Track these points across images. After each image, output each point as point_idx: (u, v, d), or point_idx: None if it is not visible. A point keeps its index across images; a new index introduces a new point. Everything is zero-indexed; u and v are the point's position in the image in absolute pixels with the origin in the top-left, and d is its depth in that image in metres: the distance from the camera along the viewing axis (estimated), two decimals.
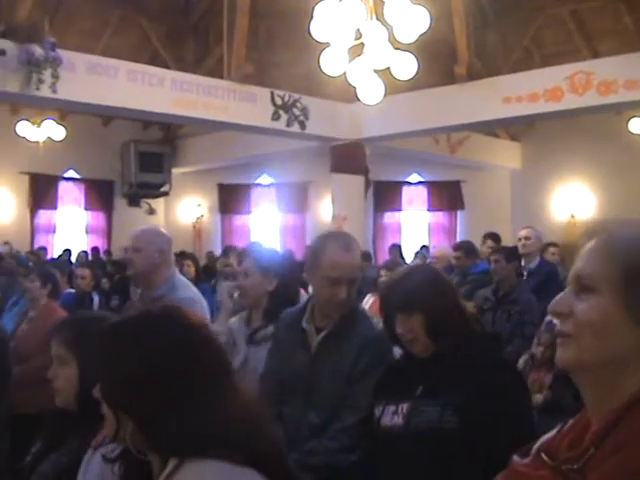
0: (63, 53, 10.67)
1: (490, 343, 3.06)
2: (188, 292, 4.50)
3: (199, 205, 19.60)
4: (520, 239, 7.99)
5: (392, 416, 2.87)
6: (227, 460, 1.61)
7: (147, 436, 1.69)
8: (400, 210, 19.23)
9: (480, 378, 2.74)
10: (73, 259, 15.33)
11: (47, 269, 7.06)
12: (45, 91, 10.45)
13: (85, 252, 16.21)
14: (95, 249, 17.05)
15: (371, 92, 7.52)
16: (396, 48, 7.01)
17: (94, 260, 15.69)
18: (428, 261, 10.39)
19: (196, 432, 1.64)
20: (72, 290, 8.65)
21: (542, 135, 17.34)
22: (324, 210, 17.75)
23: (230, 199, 19.47)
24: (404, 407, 2.84)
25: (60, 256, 15.51)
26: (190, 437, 1.63)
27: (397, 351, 3.28)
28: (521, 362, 5.22)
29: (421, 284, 2.91)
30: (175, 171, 19.06)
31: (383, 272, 7.90)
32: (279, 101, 13.43)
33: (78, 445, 2.47)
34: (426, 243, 17.78)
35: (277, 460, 1.73)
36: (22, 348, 6.15)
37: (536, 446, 1.51)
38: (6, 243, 15.28)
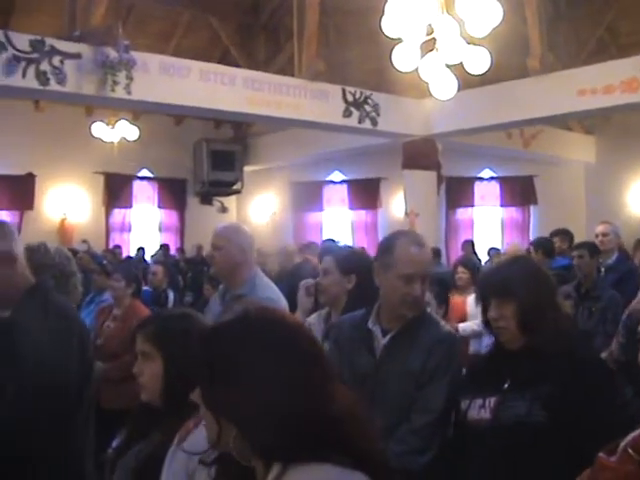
0: (136, 55, 10.83)
1: (581, 340, 3.02)
2: (269, 291, 4.46)
3: (271, 203, 19.71)
4: (597, 235, 7.84)
5: (479, 410, 2.86)
6: (334, 463, 1.59)
7: (250, 441, 1.66)
8: (472, 206, 19.03)
9: (570, 374, 2.73)
10: (147, 257, 15.55)
11: (132, 270, 7.19)
12: (120, 92, 10.61)
13: (161, 249, 16.43)
14: (165, 246, 17.22)
15: (444, 87, 7.47)
16: (469, 42, 6.94)
17: (165, 257, 15.88)
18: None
19: (300, 435, 1.62)
20: (147, 288, 8.78)
21: (617, 128, 16.96)
22: (396, 207, 17.68)
23: (302, 196, 19.48)
24: (491, 401, 2.83)
25: (135, 254, 15.76)
26: (294, 440, 1.61)
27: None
28: None
29: (520, 273, 2.92)
30: (247, 169, 19.16)
31: (460, 269, 7.84)
32: (350, 98, 13.40)
33: (161, 439, 2.50)
34: (499, 239, 17.64)
35: (381, 462, 1.70)
36: (108, 346, 6.28)
37: (623, 443, 1.49)
38: (84, 241, 15.61)
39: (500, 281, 2.90)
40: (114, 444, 4.62)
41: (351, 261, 4.32)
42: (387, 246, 3.42)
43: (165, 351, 2.54)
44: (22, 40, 10.12)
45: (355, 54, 15.60)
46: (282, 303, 4.43)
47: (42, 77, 10.17)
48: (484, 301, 2.98)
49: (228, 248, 4.48)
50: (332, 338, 3.68)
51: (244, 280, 4.46)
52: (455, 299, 7.55)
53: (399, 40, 7.12)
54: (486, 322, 2.98)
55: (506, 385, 2.82)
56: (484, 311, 2.97)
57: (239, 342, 1.72)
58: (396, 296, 3.33)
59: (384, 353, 3.34)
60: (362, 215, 19.32)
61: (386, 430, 3.11)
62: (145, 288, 8.49)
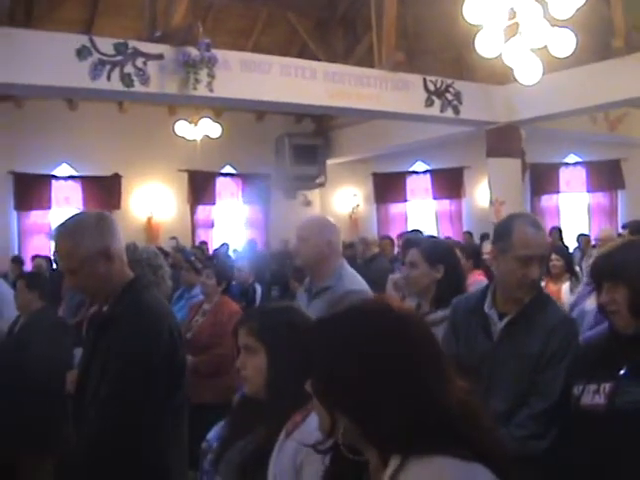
0: (217, 53, 10.94)
1: None
2: (355, 283, 4.42)
3: (354, 195, 19.72)
4: None
5: (593, 395, 2.81)
6: (453, 455, 1.56)
7: (366, 433, 1.65)
8: (558, 192, 18.75)
9: None
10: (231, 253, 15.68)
11: (225, 268, 7.28)
12: (202, 90, 10.73)
13: (248, 244, 16.55)
14: (252, 242, 17.37)
15: (529, 72, 7.37)
16: (552, 25, 6.83)
17: (252, 252, 16.00)
18: (592, 244, 10.07)
19: (418, 426, 1.59)
20: (234, 283, 8.85)
21: None
22: (480, 195, 17.55)
23: (385, 188, 19.48)
24: (606, 386, 2.78)
25: (219, 249, 15.92)
26: (413, 432, 1.59)
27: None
28: None
29: (633, 258, 2.85)
30: (329, 162, 19.16)
31: (553, 257, 7.69)
32: (432, 87, 13.31)
33: (265, 433, 2.51)
34: (586, 225, 17.32)
35: (500, 453, 1.66)
36: (197, 340, 6.36)
37: None
38: (172, 238, 15.86)
39: (612, 265, 2.84)
40: (209, 437, 4.68)
41: (437, 251, 4.30)
42: (504, 229, 3.39)
43: (268, 344, 2.56)
44: (106, 44, 10.33)
45: (434, 43, 15.50)
46: (368, 295, 4.39)
47: (126, 79, 10.37)
48: (597, 286, 2.93)
49: (313, 240, 4.46)
50: (449, 322, 3.64)
51: (330, 272, 4.44)
52: (550, 287, 7.40)
53: (480, 26, 7.05)
54: (600, 307, 2.93)
55: (622, 371, 2.76)
56: (598, 296, 2.93)
57: (348, 334, 1.70)
58: (513, 279, 3.31)
59: (501, 337, 3.32)
60: (446, 205, 19.21)
61: (503, 414, 3.11)
62: (232, 283, 8.56)
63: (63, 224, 3.13)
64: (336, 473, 1.81)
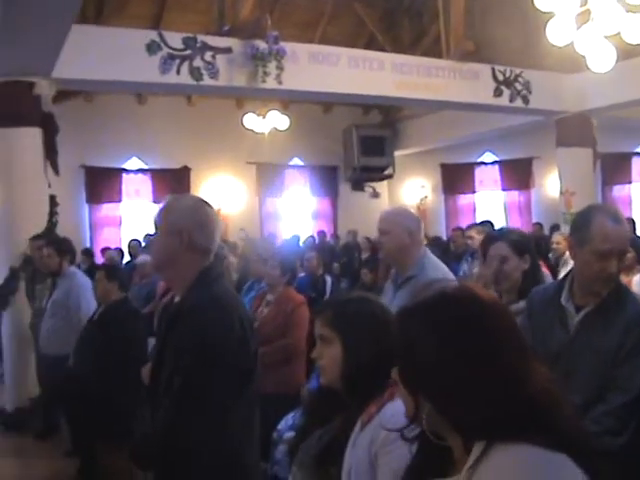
0: (285, 45, 10.97)
1: None
2: (438, 273, 4.42)
3: (422, 186, 19.61)
4: None
5: None
6: (536, 443, 1.53)
7: (450, 419, 1.64)
8: (630, 182, 18.39)
9: None
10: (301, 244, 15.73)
11: (289, 259, 7.31)
12: (271, 83, 10.78)
13: (312, 237, 16.57)
14: (322, 233, 17.42)
15: (602, 59, 7.22)
16: (627, 11, 6.68)
17: (321, 244, 16.05)
18: None
19: (503, 414, 1.58)
20: (303, 274, 8.88)
21: None
22: (550, 186, 17.31)
23: (454, 179, 19.34)
24: None
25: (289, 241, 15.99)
26: (497, 419, 1.58)
27: None
28: None
29: None
30: (397, 153, 19.09)
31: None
32: (500, 77, 13.17)
33: (342, 423, 2.51)
34: None
35: (583, 443, 1.63)
36: (261, 331, 6.38)
37: None
38: (242, 230, 15.98)
39: None
40: (279, 427, 4.70)
41: (523, 242, 4.24)
42: (583, 221, 3.30)
43: (344, 335, 2.54)
44: (175, 39, 10.44)
45: (502, 32, 15.30)
46: (452, 283, 4.34)
47: (196, 73, 10.47)
48: None
49: (395, 231, 4.48)
50: (525, 312, 3.58)
51: (413, 262, 4.46)
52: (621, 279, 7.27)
53: (550, 14, 6.93)
54: None
55: None
56: None
57: (435, 320, 1.69)
58: (591, 272, 3.22)
59: (578, 329, 3.25)
60: (515, 196, 18.98)
61: (579, 408, 3.00)
62: (301, 275, 8.58)
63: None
64: (422, 461, 1.80)
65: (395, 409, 2.15)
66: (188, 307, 2.94)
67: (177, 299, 3.12)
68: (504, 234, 4.39)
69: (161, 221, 3.11)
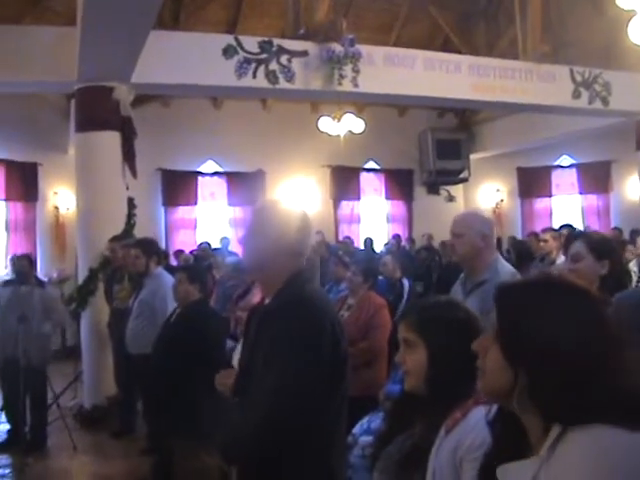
0: (361, 48, 10.96)
1: None
2: (512, 277, 4.25)
3: (498, 190, 19.41)
4: None
5: None
6: (618, 425, 1.56)
7: (540, 400, 1.66)
8: None
9: None
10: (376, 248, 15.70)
11: (371, 265, 7.31)
12: (347, 86, 10.79)
13: (392, 240, 16.53)
14: (397, 237, 17.35)
15: None
16: None
17: (397, 248, 15.98)
18: None
19: (584, 397, 1.61)
20: (381, 277, 8.84)
21: None
22: (630, 190, 16.99)
23: (530, 182, 19.07)
24: None
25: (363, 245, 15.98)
26: (578, 402, 1.61)
27: None
28: None
29: None
30: (473, 157, 18.95)
31: None
32: (579, 78, 12.96)
33: (425, 429, 2.47)
34: None
35: None
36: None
37: None
38: (318, 232, 15.97)
39: None
40: (354, 431, 4.66)
41: (604, 246, 4.13)
42: None
43: (428, 339, 2.51)
44: (251, 43, 10.53)
45: (580, 32, 15.07)
46: None
47: (272, 76, 10.53)
48: None
49: (469, 235, 4.45)
50: (616, 317, 3.50)
51: (486, 266, 4.43)
52: None
53: (631, 12, 6.79)
54: None
55: None
56: None
57: (538, 297, 1.75)
58: None
59: None
60: (593, 200, 18.65)
61: None
62: (379, 278, 8.54)
63: None
64: (500, 446, 1.82)
65: (480, 415, 2.13)
66: (281, 306, 2.94)
67: (267, 301, 3.11)
68: (585, 234, 4.30)
69: (256, 224, 3.12)
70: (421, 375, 2.50)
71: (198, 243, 15.75)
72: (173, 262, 13.78)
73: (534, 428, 1.70)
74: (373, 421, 5.68)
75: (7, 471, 7.88)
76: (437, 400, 2.44)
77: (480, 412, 2.16)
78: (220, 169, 17.23)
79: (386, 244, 15.78)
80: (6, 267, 12.97)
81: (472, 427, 2.17)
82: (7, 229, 14.38)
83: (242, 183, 17.13)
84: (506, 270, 4.49)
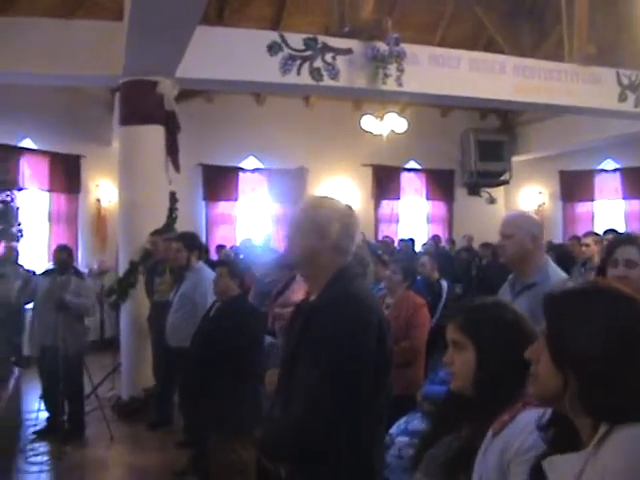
0: (405, 47, 10.93)
1: None
2: (562, 283, 4.28)
3: (540, 193, 19.24)
4: None
5: None
6: None
7: (589, 402, 1.71)
8: None
9: None
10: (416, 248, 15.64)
11: (411, 265, 7.30)
12: (391, 85, 10.78)
13: (430, 241, 16.46)
14: (436, 237, 17.28)
15: None
16: None
17: (436, 248, 15.91)
18: None
19: (632, 397, 1.68)
20: (419, 277, 8.81)
21: None
22: None
23: (572, 186, 18.87)
24: None
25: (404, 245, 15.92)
26: (626, 402, 1.68)
27: None
28: None
29: None
30: (515, 159, 18.82)
31: None
32: (625, 81, 12.83)
33: (471, 431, 2.45)
34: None
35: None
36: None
37: None
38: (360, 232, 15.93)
39: None
40: (391, 431, 4.65)
41: None
42: None
43: (476, 340, 2.49)
44: (296, 40, 10.55)
45: (627, 34, 14.89)
46: None
47: (316, 74, 10.54)
48: None
49: (518, 236, 4.41)
50: None
51: (536, 268, 4.39)
52: None
53: None
54: None
55: None
56: None
57: (585, 304, 1.80)
58: None
59: None
60: (636, 205, 18.43)
61: None
62: (418, 278, 8.51)
63: None
64: (555, 451, 1.83)
65: (529, 418, 2.12)
66: (327, 303, 2.94)
67: (312, 298, 3.11)
68: (636, 238, 4.22)
69: (303, 220, 3.12)
70: (468, 377, 2.48)
71: (238, 238, 15.82)
72: (213, 257, 13.82)
73: (585, 428, 1.75)
74: (410, 422, 5.66)
75: (45, 458, 7.98)
76: (484, 402, 2.41)
77: (529, 415, 2.14)
78: (261, 165, 17.26)
79: (424, 244, 15.70)
80: (48, 258, 13.12)
81: (520, 430, 2.15)
82: (50, 220, 14.54)
83: (283, 180, 17.15)
84: (557, 274, 4.45)
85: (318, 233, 3.04)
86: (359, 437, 2.88)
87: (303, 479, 2.94)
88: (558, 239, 17.38)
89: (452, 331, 2.57)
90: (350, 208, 3.21)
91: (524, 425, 2.14)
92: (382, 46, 10.77)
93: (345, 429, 2.80)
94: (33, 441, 8.48)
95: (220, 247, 14.63)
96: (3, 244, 10.88)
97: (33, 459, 7.91)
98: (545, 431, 1.88)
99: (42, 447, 8.31)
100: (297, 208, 3.23)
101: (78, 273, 9.07)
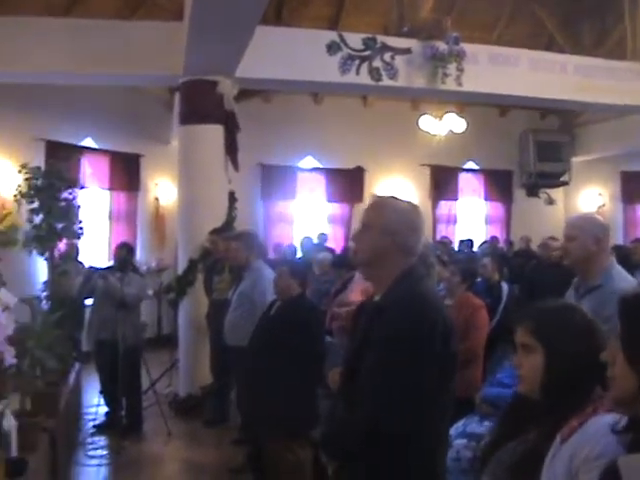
0: (465, 46, 10.87)
1: None
2: (627, 283, 4.26)
3: (600, 194, 18.94)
4: None
5: None
6: None
7: None
8: None
9: None
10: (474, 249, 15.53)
11: (470, 266, 7.27)
12: (450, 84, 10.73)
13: (486, 242, 16.33)
14: (494, 239, 17.13)
15: None
16: None
17: (493, 250, 15.78)
18: None
19: None
20: (479, 279, 8.75)
21: None
22: None
23: (634, 187, 18.49)
24: None
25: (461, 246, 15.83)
26: None
27: None
28: None
29: None
30: (575, 160, 18.55)
31: None
32: None
33: (538, 436, 2.42)
34: None
35: None
36: None
37: None
38: None
39: None
40: (450, 432, 4.64)
41: None
42: None
43: (547, 344, 2.45)
44: (355, 39, 10.57)
45: None
46: None
47: (375, 73, 10.55)
48: None
49: (582, 238, 4.36)
50: None
51: (599, 270, 4.33)
52: None
53: None
54: None
55: None
56: None
57: None
58: None
59: None
60: None
61: None
62: (477, 280, 8.45)
63: None
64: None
65: (598, 424, 2.08)
66: (394, 303, 2.92)
67: (376, 298, 3.10)
68: None
69: (373, 220, 3.10)
70: (537, 380, 2.44)
71: (295, 238, 15.87)
72: (271, 256, 13.88)
73: None
74: (468, 424, 5.63)
75: (104, 452, 8.10)
76: (552, 407, 2.38)
77: (598, 421, 2.11)
78: (319, 165, 17.29)
79: (480, 245, 15.58)
80: (109, 256, 13.30)
81: (590, 436, 2.10)
82: (110, 218, 14.72)
83: (340, 180, 17.19)
84: (622, 277, 4.39)
85: (386, 233, 3.02)
86: (423, 437, 2.87)
87: (366, 478, 2.94)
88: (619, 241, 17.10)
89: (521, 334, 2.54)
90: (416, 207, 3.19)
91: (594, 431, 2.10)
92: (441, 45, 10.73)
93: (410, 428, 2.79)
94: (92, 435, 8.63)
95: (277, 246, 14.68)
96: (65, 241, 11.05)
97: (92, 452, 8.05)
98: (622, 435, 1.86)
99: (101, 441, 8.44)
100: (364, 208, 3.23)
101: (136, 270, 9.18)
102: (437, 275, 7.44)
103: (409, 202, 3.21)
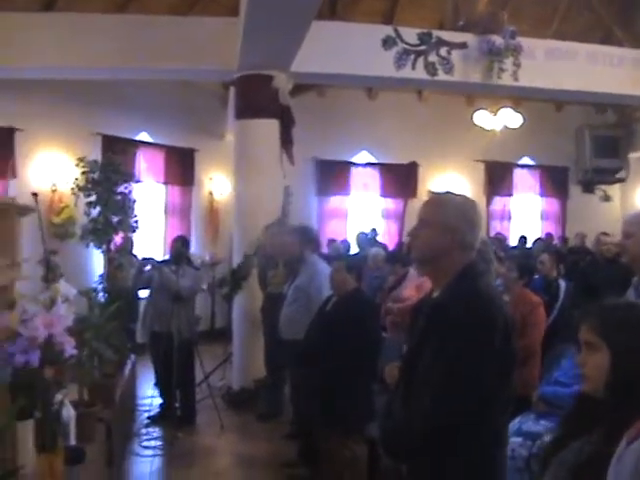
0: (521, 40, 10.77)
1: None
2: None
3: None
4: None
5: None
6: None
7: None
8: None
9: None
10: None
11: (528, 262, 7.23)
12: (506, 79, 10.63)
13: (540, 239, 16.16)
14: (549, 235, 16.95)
15: None
16: None
17: (548, 246, 15.62)
18: None
19: None
20: (537, 276, 8.68)
21: None
22: None
23: None
24: None
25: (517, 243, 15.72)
26: None
27: None
28: None
29: None
30: (632, 156, 18.24)
31: None
32: None
33: (604, 436, 2.38)
34: None
35: None
36: None
37: None
38: None
39: None
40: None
41: None
42: None
43: (612, 342, 2.41)
44: (410, 34, 10.52)
45: None
46: None
47: (430, 68, 10.49)
48: None
49: (639, 235, 4.27)
50: None
51: None
52: None
53: None
54: None
55: None
56: None
57: None
58: None
59: None
60: None
61: None
62: (535, 277, 8.38)
63: None
64: None
65: None
66: (454, 299, 2.90)
67: (435, 294, 3.09)
68: None
69: (432, 217, 3.09)
70: (601, 379, 2.40)
71: (349, 233, 15.88)
72: (324, 251, 13.90)
73: None
74: (524, 422, 5.59)
75: (159, 443, 8.21)
76: (618, 406, 2.34)
77: None
78: (374, 160, 17.26)
79: (534, 242, 15.42)
80: (164, 249, 13.43)
81: None
82: (165, 212, 14.85)
83: (395, 175, 17.15)
84: None
85: (446, 230, 3.00)
86: (482, 434, 2.85)
87: (425, 475, 2.93)
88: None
89: (585, 332, 2.50)
90: (474, 202, 3.17)
91: None
92: (497, 40, 10.64)
93: (469, 425, 2.77)
94: (147, 426, 8.74)
95: (331, 241, 14.69)
96: (121, 235, 11.16)
97: (147, 443, 8.16)
98: None
99: (155, 432, 8.55)
100: (419, 204, 3.21)
101: (191, 263, 9.25)
102: (494, 271, 7.42)
103: (466, 197, 3.19)
